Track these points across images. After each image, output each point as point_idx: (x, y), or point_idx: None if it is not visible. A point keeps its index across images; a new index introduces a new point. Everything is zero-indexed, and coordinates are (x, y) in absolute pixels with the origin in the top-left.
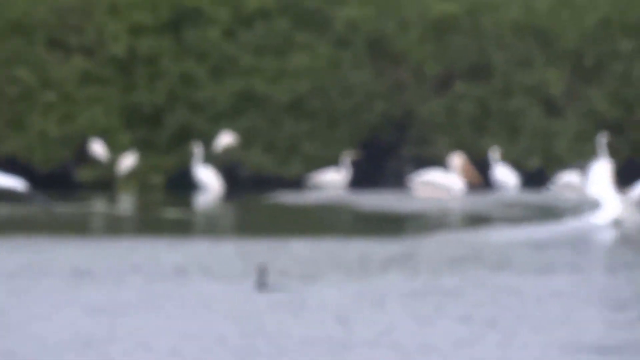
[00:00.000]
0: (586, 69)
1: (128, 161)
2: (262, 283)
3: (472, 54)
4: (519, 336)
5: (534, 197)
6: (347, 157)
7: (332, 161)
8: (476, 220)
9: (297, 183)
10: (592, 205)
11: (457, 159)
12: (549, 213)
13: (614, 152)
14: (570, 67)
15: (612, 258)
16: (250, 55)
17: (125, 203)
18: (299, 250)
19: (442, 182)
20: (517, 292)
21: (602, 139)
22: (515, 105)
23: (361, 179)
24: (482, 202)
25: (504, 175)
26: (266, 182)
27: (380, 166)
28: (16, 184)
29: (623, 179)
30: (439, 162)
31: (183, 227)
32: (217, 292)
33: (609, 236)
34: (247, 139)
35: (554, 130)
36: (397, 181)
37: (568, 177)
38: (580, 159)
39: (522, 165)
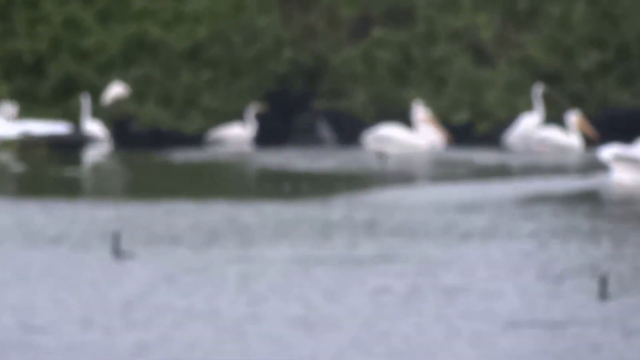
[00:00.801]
0: (519, 12)
1: (6, 114)
2: (117, 250)
3: None
4: (436, 308)
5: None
6: (252, 111)
7: (235, 115)
8: (399, 179)
9: (196, 139)
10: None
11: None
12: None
13: (551, 105)
14: (502, 10)
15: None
16: None
17: (4, 160)
18: (186, 213)
19: (402, 138)
20: (433, 262)
21: (538, 90)
22: (440, 52)
23: (268, 135)
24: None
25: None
26: (162, 138)
27: (289, 120)
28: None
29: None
30: (354, 115)
31: (63, 188)
32: (71, 259)
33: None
34: (140, 91)
35: (483, 80)
36: (308, 137)
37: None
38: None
39: (449, 119)
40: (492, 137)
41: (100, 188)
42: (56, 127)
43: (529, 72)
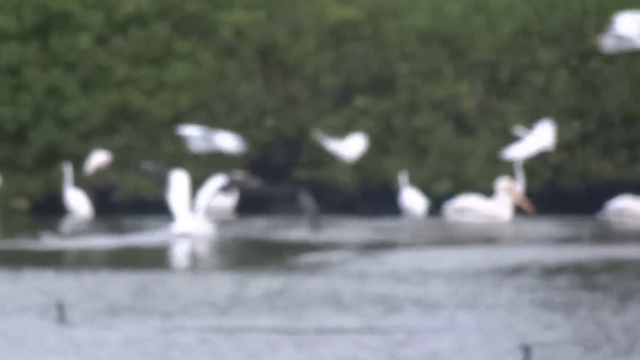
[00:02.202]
0: (501, 81)
1: None
2: (62, 316)
3: (374, 65)
4: None
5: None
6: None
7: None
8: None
9: None
10: None
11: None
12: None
13: (532, 175)
14: (483, 79)
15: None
16: (125, 65)
17: None
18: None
19: (483, 208)
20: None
21: (519, 160)
22: (422, 122)
23: (250, 203)
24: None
25: (412, 200)
26: (145, 206)
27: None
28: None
29: (543, 204)
30: (334, 185)
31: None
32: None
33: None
34: (122, 159)
35: (465, 150)
36: (290, 206)
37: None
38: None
39: (431, 189)
40: None
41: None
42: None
43: (511, 142)
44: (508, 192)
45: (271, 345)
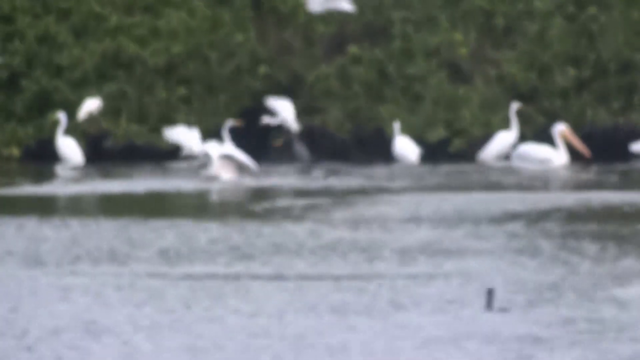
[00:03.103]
0: (496, 29)
1: None
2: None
3: (368, 13)
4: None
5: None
6: (229, 127)
7: (211, 131)
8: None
9: (171, 155)
10: None
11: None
12: None
13: (526, 122)
14: (478, 27)
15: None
16: (118, 13)
17: None
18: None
19: (542, 154)
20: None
21: (514, 107)
22: (415, 70)
23: (244, 152)
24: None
25: (404, 147)
26: (137, 154)
27: (265, 137)
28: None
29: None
30: (327, 131)
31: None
32: None
33: None
34: (115, 107)
35: (459, 98)
36: (285, 154)
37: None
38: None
39: (425, 136)
40: (468, 154)
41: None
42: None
43: (505, 90)
44: (565, 137)
45: (262, 289)
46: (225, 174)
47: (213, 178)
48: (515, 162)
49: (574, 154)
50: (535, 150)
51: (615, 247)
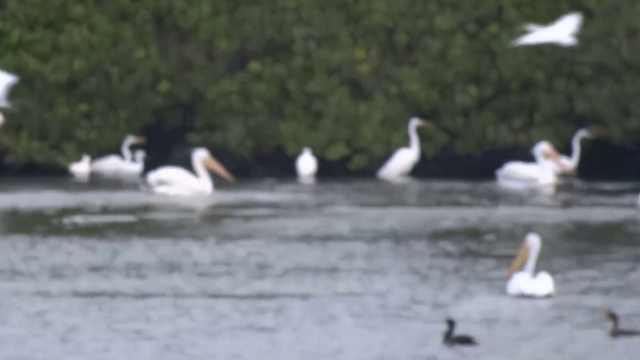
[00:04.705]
0: (398, 46)
1: None
2: None
3: (269, 30)
4: None
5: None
6: (129, 143)
7: (111, 148)
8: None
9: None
10: None
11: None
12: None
13: (427, 140)
14: (380, 44)
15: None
16: (20, 29)
17: None
18: None
19: (526, 173)
20: None
21: (414, 125)
22: (317, 86)
23: (146, 168)
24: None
25: (304, 164)
26: (38, 170)
27: (166, 153)
28: None
29: (438, 169)
30: (228, 149)
31: None
32: None
33: None
34: (15, 123)
35: (360, 115)
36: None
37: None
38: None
39: (324, 154)
40: (366, 172)
41: None
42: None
43: (406, 107)
44: (547, 156)
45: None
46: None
47: (166, 195)
48: (501, 181)
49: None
50: (522, 169)
51: (465, 263)
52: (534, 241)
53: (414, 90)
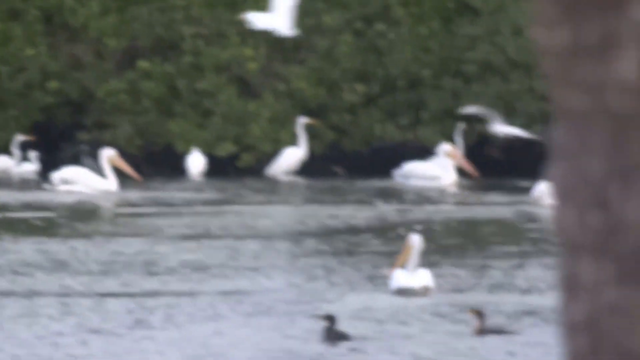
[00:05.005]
0: (286, 44)
1: None
2: None
3: (158, 28)
4: None
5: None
6: (19, 142)
7: (0, 146)
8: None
9: None
10: None
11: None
12: None
13: (315, 137)
14: (268, 42)
15: None
16: None
17: None
18: None
19: (426, 172)
20: None
21: (302, 123)
22: (205, 84)
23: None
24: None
25: (193, 162)
26: None
27: (55, 152)
28: None
29: (325, 165)
30: (119, 147)
31: None
32: None
33: None
34: None
35: (248, 113)
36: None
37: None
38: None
39: (214, 151)
40: (255, 170)
41: None
42: None
43: (294, 105)
44: (450, 156)
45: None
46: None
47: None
48: (400, 180)
49: (460, 171)
50: (423, 168)
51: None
52: (415, 240)
53: (302, 88)
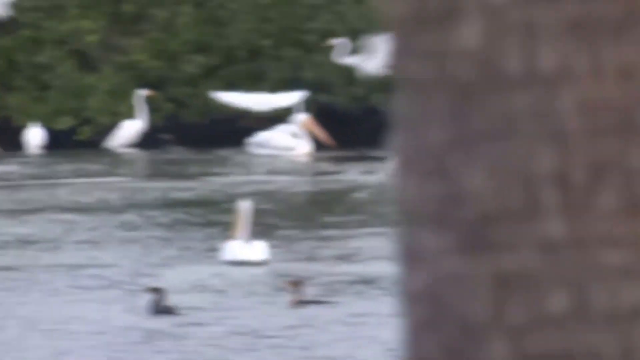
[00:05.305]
0: (125, 16)
1: None
2: None
3: None
4: None
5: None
6: None
7: None
8: None
9: None
10: None
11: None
12: None
13: (155, 110)
14: (107, 14)
15: None
16: None
17: None
18: None
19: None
20: None
21: (141, 95)
22: (44, 58)
23: None
24: None
25: (32, 136)
26: None
27: None
28: None
29: (167, 138)
30: None
31: None
32: None
33: None
34: None
35: (87, 86)
36: None
37: None
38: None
39: (52, 124)
40: (95, 143)
41: None
42: None
43: (133, 78)
44: (306, 126)
45: None
46: None
47: None
48: (253, 150)
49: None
50: (276, 138)
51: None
52: (244, 207)
53: (141, 60)
